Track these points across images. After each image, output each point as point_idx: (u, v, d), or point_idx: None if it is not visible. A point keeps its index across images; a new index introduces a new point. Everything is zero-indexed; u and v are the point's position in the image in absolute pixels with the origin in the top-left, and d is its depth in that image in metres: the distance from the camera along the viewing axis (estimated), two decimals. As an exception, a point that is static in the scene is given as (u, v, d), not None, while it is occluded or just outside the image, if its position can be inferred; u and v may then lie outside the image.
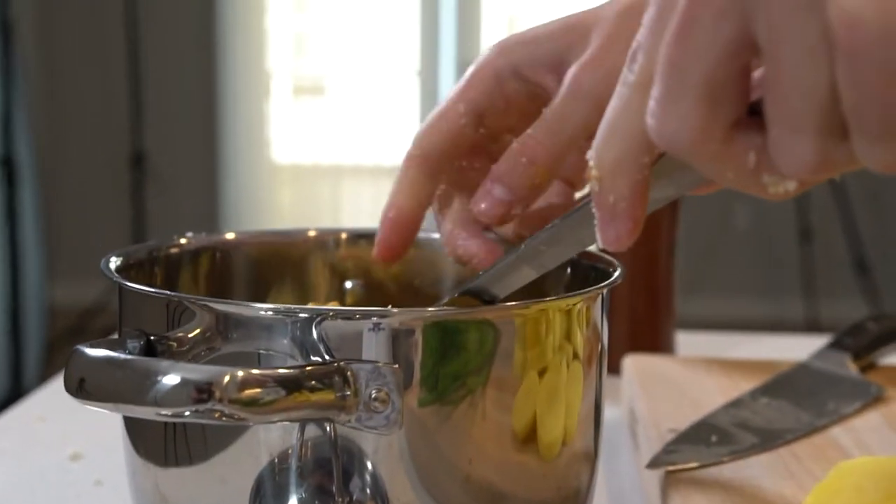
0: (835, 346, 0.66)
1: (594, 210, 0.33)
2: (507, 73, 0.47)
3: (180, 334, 0.39)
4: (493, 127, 0.48)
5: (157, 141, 3.79)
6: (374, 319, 0.38)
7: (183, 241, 0.50)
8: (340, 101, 4.06)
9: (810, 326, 3.34)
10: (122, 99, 3.76)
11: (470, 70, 0.48)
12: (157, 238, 0.50)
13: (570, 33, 0.46)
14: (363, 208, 4.21)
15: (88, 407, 0.38)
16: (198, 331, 0.39)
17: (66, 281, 3.70)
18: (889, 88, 0.26)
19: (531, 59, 0.46)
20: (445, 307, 0.42)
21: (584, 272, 0.49)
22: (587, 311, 0.43)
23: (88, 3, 3.80)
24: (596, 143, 0.33)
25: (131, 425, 0.43)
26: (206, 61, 3.88)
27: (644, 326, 0.76)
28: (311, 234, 0.54)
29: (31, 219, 3.02)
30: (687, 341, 0.84)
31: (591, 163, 0.33)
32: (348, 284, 0.54)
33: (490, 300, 0.43)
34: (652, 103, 0.30)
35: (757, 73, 0.29)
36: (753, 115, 0.29)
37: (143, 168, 3.75)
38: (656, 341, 0.76)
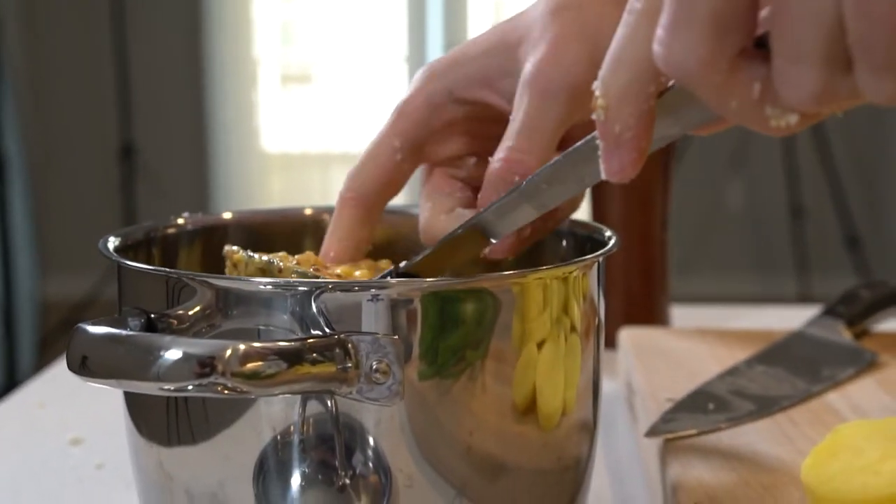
0: (829, 313, 0.66)
1: (598, 142, 0.33)
2: (440, 97, 0.46)
3: (180, 312, 0.40)
4: (434, 156, 0.48)
5: (146, 132, 3.78)
6: (373, 291, 0.38)
7: (180, 221, 0.50)
8: (329, 89, 4.06)
9: (803, 302, 3.35)
10: (110, 91, 3.74)
11: (399, 102, 0.47)
12: (150, 221, 0.50)
13: (501, 45, 0.46)
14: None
15: (89, 387, 0.38)
16: (198, 308, 0.39)
17: (58, 274, 3.69)
18: None
19: (465, 78, 0.46)
20: (444, 278, 0.42)
21: (581, 243, 0.50)
22: (584, 280, 0.43)
23: (74, -6, 3.79)
24: (602, 72, 0.33)
25: (133, 405, 0.43)
26: (194, 51, 3.87)
27: (639, 300, 0.77)
28: (307, 211, 0.54)
29: (22, 213, 3.01)
30: (681, 315, 0.85)
31: (596, 92, 0.33)
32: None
33: (494, 237, 0.43)
34: (660, 31, 0.30)
35: (764, 11, 0.29)
36: (760, 49, 0.29)
37: (133, 160, 3.74)
38: (651, 315, 0.77)
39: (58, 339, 3.09)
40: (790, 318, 0.72)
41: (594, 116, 0.33)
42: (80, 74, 3.84)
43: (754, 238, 3.86)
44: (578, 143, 0.37)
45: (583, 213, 0.81)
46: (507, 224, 0.42)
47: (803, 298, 3.36)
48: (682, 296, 0.95)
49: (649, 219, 0.77)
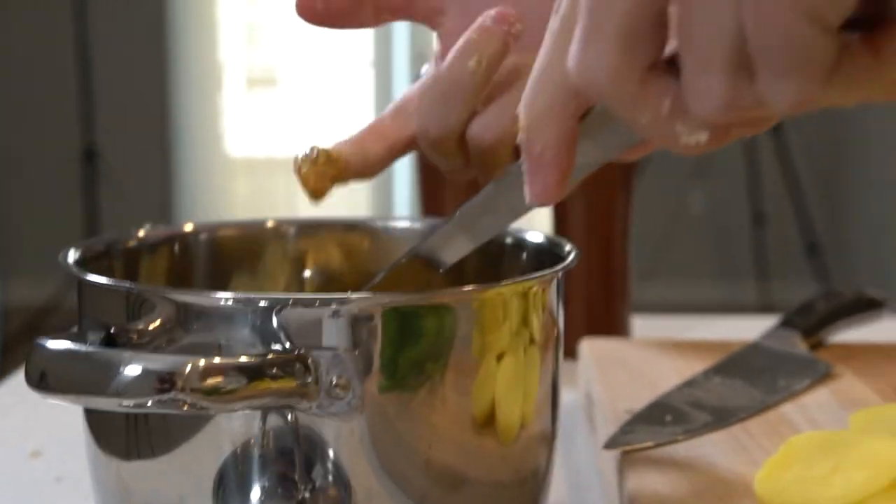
0: (785, 325, 0.67)
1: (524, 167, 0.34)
2: None
3: (140, 326, 0.40)
4: None
5: (109, 136, 3.76)
6: (334, 306, 0.39)
7: (141, 233, 0.50)
8: (294, 93, 4.05)
9: (764, 309, 3.38)
10: (72, 94, 3.72)
11: None
12: (111, 233, 0.50)
13: None
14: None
15: (49, 402, 0.38)
16: (158, 322, 0.39)
17: (20, 279, 3.66)
18: (792, 23, 0.27)
19: None
20: (404, 293, 0.42)
21: (540, 255, 0.50)
22: (543, 294, 0.43)
23: (36, -3, 3.76)
24: (524, 94, 0.33)
25: (93, 419, 0.43)
26: (157, 54, 3.85)
27: (600, 310, 0.77)
28: (269, 224, 0.54)
29: (-18, 217, 2.98)
30: (642, 325, 0.85)
31: (520, 115, 0.34)
32: (307, 273, 0.54)
33: (438, 266, 0.43)
34: (572, 45, 0.31)
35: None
36: (671, 66, 0.30)
37: (95, 163, 3.71)
38: (612, 325, 0.78)
39: (20, 345, 3.06)
40: (749, 329, 0.73)
41: (518, 140, 0.34)
42: (40, 76, 3.81)
43: (716, 244, 3.89)
44: (507, 172, 0.38)
45: (544, 223, 0.81)
46: (448, 254, 0.43)
47: (764, 304, 3.40)
48: (645, 302, 0.96)
49: (611, 229, 0.77)
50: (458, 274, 0.49)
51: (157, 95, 3.87)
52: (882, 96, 0.29)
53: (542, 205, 0.35)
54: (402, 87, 3.93)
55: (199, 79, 3.95)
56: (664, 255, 3.80)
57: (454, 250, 0.42)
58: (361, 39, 3.98)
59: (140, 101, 3.87)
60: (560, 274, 0.44)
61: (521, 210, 0.38)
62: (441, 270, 0.44)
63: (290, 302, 0.39)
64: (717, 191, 3.84)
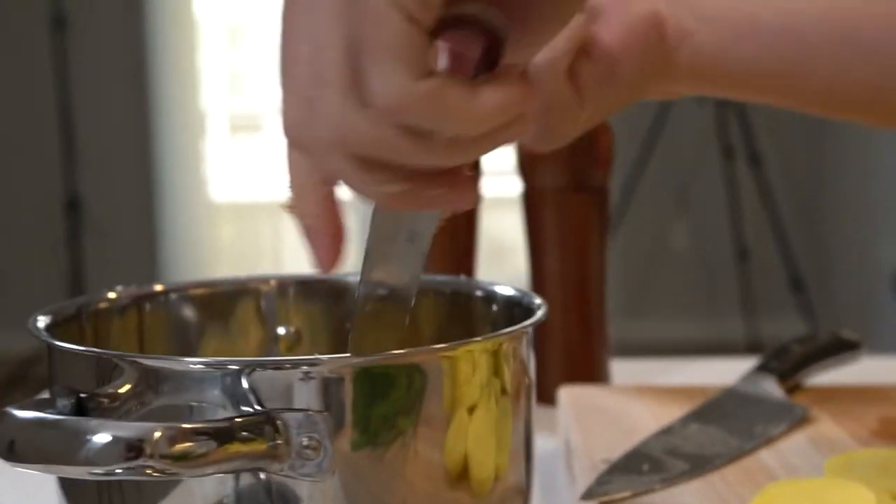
0: (762, 369, 0.67)
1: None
2: None
3: (111, 390, 0.40)
4: None
5: (93, 184, 3.75)
6: (304, 368, 0.39)
7: (112, 295, 0.50)
8: (278, 138, 4.06)
9: (750, 344, 3.39)
10: (54, 142, 3.72)
11: None
12: (92, 289, 0.50)
13: None
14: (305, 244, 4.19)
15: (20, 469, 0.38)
16: (128, 386, 0.39)
17: (5, 329, 3.64)
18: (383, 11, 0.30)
19: None
20: (374, 355, 0.42)
21: (510, 307, 0.50)
22: (513, 348, 0.44)
23: (16, 42, 3.76)
24: (287, 181, 0.36)
25: (66, 484, 0.43)
26: (140, 100, 3.86)
27: (578, 356, 0.77)
28: (241, 282, 0.54)
29: (-35, 268, 2.97)
30: (622, 368, 0.85)
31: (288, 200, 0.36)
32: (280, 331, 0.54)
33: (402, 301, 0.42)
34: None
35: None
36: None
37: (79, 213, 3.70)
38: (591, 370, 0.78)
39: (6, 396, 3.03)
40: (728, 371, 0.73)
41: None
42: (22, 125, 3.81)
43: (700, 281, 3.90)
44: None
45: (520, 270, 0.81)
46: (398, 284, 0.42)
47: (750, 341, 3.40)
48: (631, 340, 0.96)
49: (587, 274, 0.78)
50: (432, 326, 0.49)
51: (140, 143, 3.87)
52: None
53: (328, 271, 0.36)
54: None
55: (182, 125, 3.96)
56: (648, 292, 3.80)
57: (401, 280, 0.42)
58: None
59: (123, 148, 3.87)
60: (529, 329, 0.44)
61: (423, 229, 0.38)
62: (407, 305, 0.43)
63: (260, 365, 0.39)
64: (700, 226, 3.86)
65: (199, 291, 0.53)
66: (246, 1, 4.00)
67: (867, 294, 3.57)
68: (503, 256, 3.30)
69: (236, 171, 4.08)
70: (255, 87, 4.13)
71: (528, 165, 0.78)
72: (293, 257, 4.20)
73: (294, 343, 0.54)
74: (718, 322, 3.76)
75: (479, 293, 0.52)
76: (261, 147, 4.08)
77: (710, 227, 3.75)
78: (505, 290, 0.51)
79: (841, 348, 0.71)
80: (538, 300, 0.47)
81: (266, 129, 4.08)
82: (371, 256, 0.39)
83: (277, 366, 0.39)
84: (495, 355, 0.43)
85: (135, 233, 3.89)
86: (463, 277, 0.54)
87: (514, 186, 0.80)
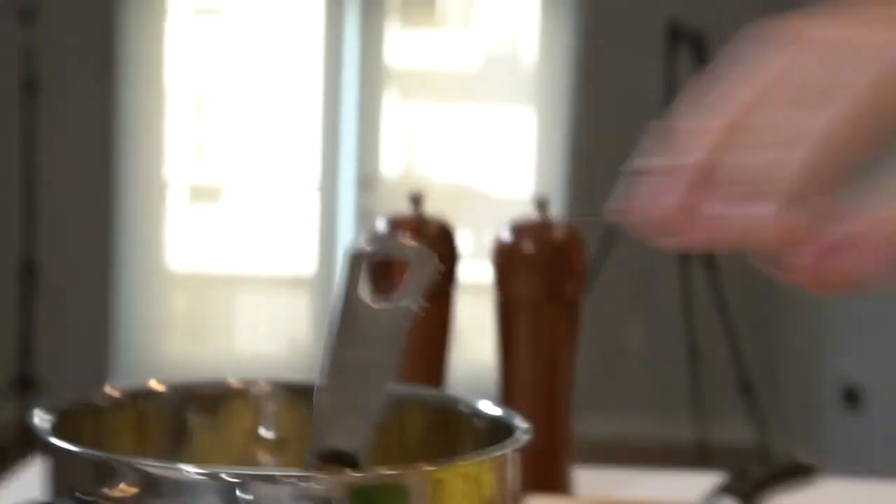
0: (724, 490, 0.69)
1: None
2: None
3: (108, 492, 0.41)
4: None
5: (49, 249, 3.73)
6: (297, 484, 0.40)
7: (110, 391, 0.51)
8: (238, 211, 4.07)
9: (699, 444, 3.42)
10: (14, 205, 3.70)
11: None
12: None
13: None
14: (260, 319, 4.19)
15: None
16: (129, 489, 0.41)
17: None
18: None
19: None
20: (365, 473, 0.43)
21: (493, 425, 0.52)
22: (498, 468, 0.45)
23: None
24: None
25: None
26: (104, 167, 3.86)
27: (544, 467, 0.79)
28: (233, 383, 0.55)
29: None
30: (584, 477, 0.87)
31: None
32: (263, 433, 0.55)
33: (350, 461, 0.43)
34: None
35: None
36: None
37: (34, 277, 3.67)
38: (556, 481, 0.79)
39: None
40: (687, 486, 0.75)
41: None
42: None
43: (653, 379, 3.94)
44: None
45: (489, 383, 0.83)
46: (350, 444, 0.44)
47: (699, 441, 3.43)
48: (584, 434, 0.98)
49: (555, 387, 0.80)
50: (420, 444, 0.51)
51: (100, 209, 3.87)
52: None
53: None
54: (347, 212, 3.99)
55: (144, 193, 3.96)
56: (602, 388, 3.83)
57: (352, 437, 0.43)
58: (308, 162, 4.03)
59: (83, 214, 3.86)
60: (511, 451, 0.46)
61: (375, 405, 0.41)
62: (357, 464, 0.43)
63: (254, 479, 0.40)
64: (654, 326, 3.91)
65: (192, 390, 0.54)
66: (214, 69, 4.04)
67: (817, 405, 3.62)
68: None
69: (194, 241, 4.08)
70: (218, 158, 4.15)
71: (504, 277, 0.80)
72: (248, 331, 4.19)
73: (277, 446, 0.55)
74: (668, 420, 3.79)
75: (463, 409, 0.54)
76: (219, 217, 4.09)
77: (664, 327, 3.80)
78: (488, 408, 0.53)
79: (797, 472, 0.74)
80: (524, 424, 0.49)
81: (225, 199, 4.09)
82: (322, 429, 0.43)
83: (270, 480, 0.41)
84: (479, 477, 0.44)
85: (89, 299, 3.87)
86: (448, 393, 0.56)
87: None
